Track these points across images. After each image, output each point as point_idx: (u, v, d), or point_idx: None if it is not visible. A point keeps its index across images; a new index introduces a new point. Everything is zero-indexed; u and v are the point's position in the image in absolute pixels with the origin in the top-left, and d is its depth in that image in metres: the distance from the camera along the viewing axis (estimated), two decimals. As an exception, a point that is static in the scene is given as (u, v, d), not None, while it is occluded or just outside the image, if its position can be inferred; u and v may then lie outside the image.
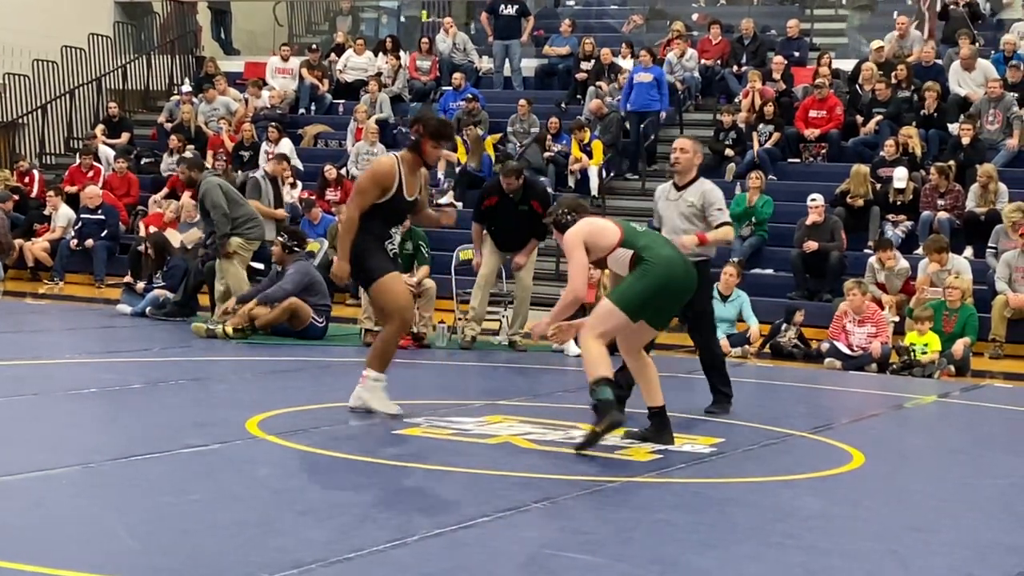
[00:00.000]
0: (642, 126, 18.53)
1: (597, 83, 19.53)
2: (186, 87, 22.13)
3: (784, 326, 13.23)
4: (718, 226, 8.98)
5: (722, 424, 8.51)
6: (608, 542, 5.35)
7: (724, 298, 13.28)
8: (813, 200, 15.23)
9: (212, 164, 19.45)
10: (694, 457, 7.28)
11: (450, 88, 20.50)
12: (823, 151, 17.68)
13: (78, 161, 20.08)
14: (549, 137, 18.30)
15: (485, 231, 12.51)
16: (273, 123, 19.78)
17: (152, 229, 17.21)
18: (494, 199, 12.45)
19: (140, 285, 14.62)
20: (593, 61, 20.14)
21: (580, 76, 20.27)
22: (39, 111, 22.52)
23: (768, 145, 17.71)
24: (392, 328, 8.12)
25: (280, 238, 12.61)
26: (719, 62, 20.24)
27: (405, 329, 8.41)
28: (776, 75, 18.95)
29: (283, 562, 4.67)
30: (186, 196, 18.30)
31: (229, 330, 11.96)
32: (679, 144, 9.19)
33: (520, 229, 12.35)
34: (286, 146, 19.18)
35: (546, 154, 18.25)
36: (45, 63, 22.75)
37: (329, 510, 5.63)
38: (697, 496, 6.39)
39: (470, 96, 19.40)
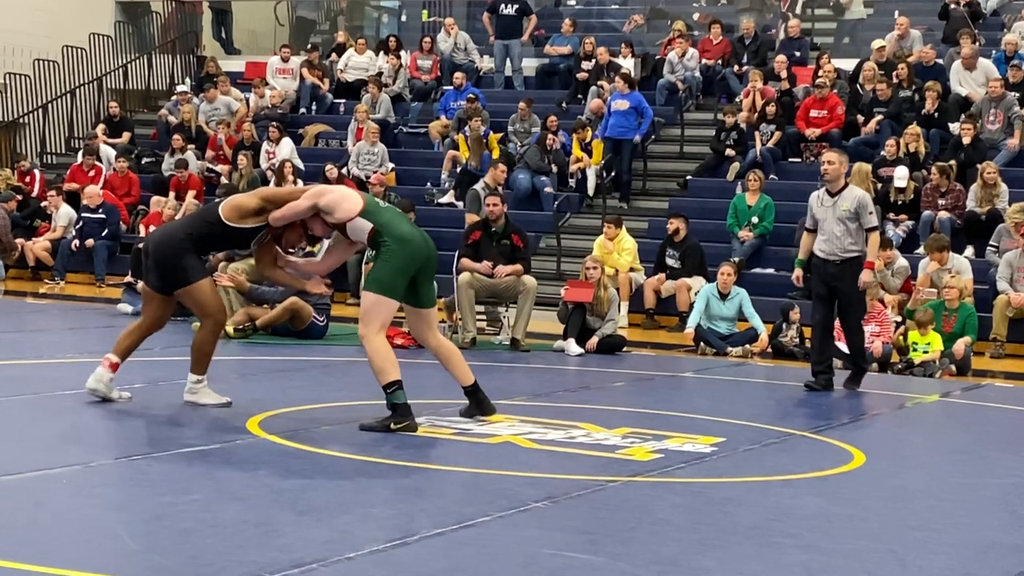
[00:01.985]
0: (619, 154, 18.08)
1: (598, 82, 19.53)
2: (183, 87, 22.13)
3: (784, 326, 13.23)
4: (869, 230, 10.42)
5: (723, 424, 8.51)
6: (608, 541, 5.35)
7: (723, 296, 13.28)
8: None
9: (212, 164, 19.52)
10: (695, 457, 7.28)
11: (451, 87, 20.50)
12: (824, 150, 17.65)
13: (79, 160, 20.09)
14: (551, 137, 18.29)
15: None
16: (274, 123, 19.79)
17: (152, 229, 17.21)
18: (478, 234, 12.82)
19: (141, 284, 14.57)
20: (594, 60, 20.14)
21: (581, 76, 20.27)
22: (40, 110, 22.53)
23: (769, 145, 17.71)
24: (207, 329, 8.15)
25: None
26: (720, 62, 20.24)
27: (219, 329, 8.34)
28: (782, 74, 18.93)
29: (283, 562, 4.67)
30: (190, 196, 18.34)
31: (230, 330, 11.95)
32: (826, 156, 10.72)
33: (504, 263, 12.71)
34: (287, 146, 19.18)
35: (550, 146, 18.18)
36: (46, 63, 22.76)
37: (330, 510, 5.63)
38: (698, 496, 6.39)
39: (471, 96, 19.40)
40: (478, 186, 13.83)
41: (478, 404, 8.04)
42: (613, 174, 18.10)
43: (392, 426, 7.50)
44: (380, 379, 7.60)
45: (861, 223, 10.42)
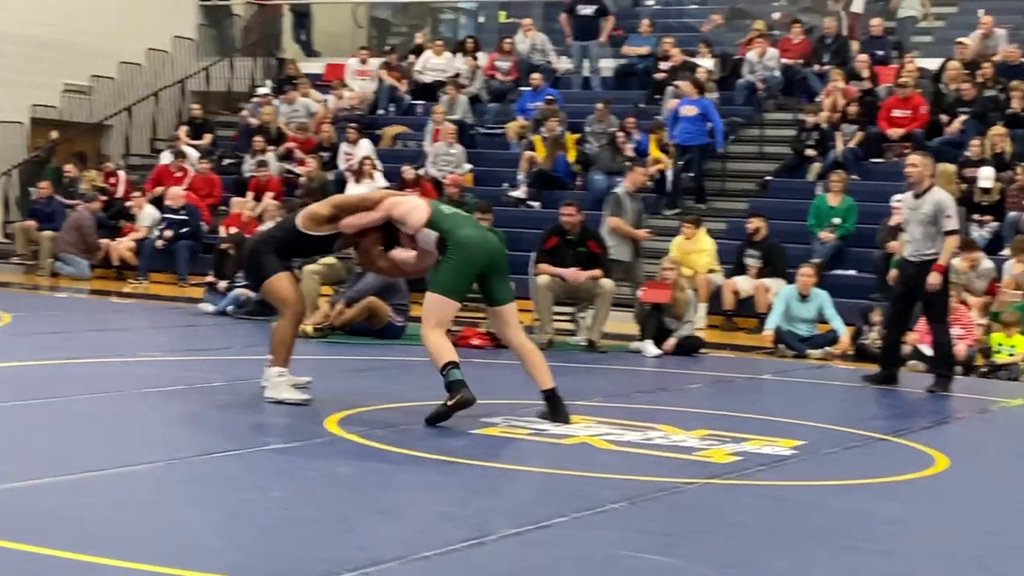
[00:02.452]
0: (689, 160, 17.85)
1: (675, 83, 19.44)
2: (264, 89, 22.35)
3: (865, 328, 13.09)
4: (946, 233, 10.38)
5: (803, 426, 8.43)
6: (685, 544, 5.33)
7: (803, 298, 13.16)
8: (897, 201, 15.03)
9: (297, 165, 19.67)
10: (774, 459, 7.22)
11: (528, 88, 20.50)
12: (907, 151, 17.43)
13: (165, 161, 20.34)
14: (623, 136, 18.22)
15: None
16: (352, 124, 19.91)
17: (232, 229, 17.41)
18: (555, 240, 12.77)
19: (222, 284, 14.77)
20: (672, 61, 20.04)
21: (659, 76, 20.18)
22: (125, 113, 22.85)
23: (851, 145, 17.53)
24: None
25: None
26: (801, 61, 20.06)
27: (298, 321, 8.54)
28: (864, 73, 18.72)
29: (361, 560, 4.69)
30: (268, 197, 18.51)
31: (309, 329, 12.05)
32: (910, 159, 10.76)
33: (581, 270, 12.65)
34: (365, 147, 19.30)
35: (621, 146, 18.13)
36: (131, 66, 23.09)
37: (407, 508, 5.65)
38: (776, 499, 6.33)
39: (549, 97, 19.37)
40: (618, 190, 13.67)
41: (554, 409, 8.00)
42: (692, 175, 18.00)
43: (448, 403, 7.61)
44: (436, 363, 7.74)
45: (939, 227, 10.43)
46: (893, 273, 11.23)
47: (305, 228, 8.22)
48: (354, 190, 16.55)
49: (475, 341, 12.19)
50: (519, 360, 8.11)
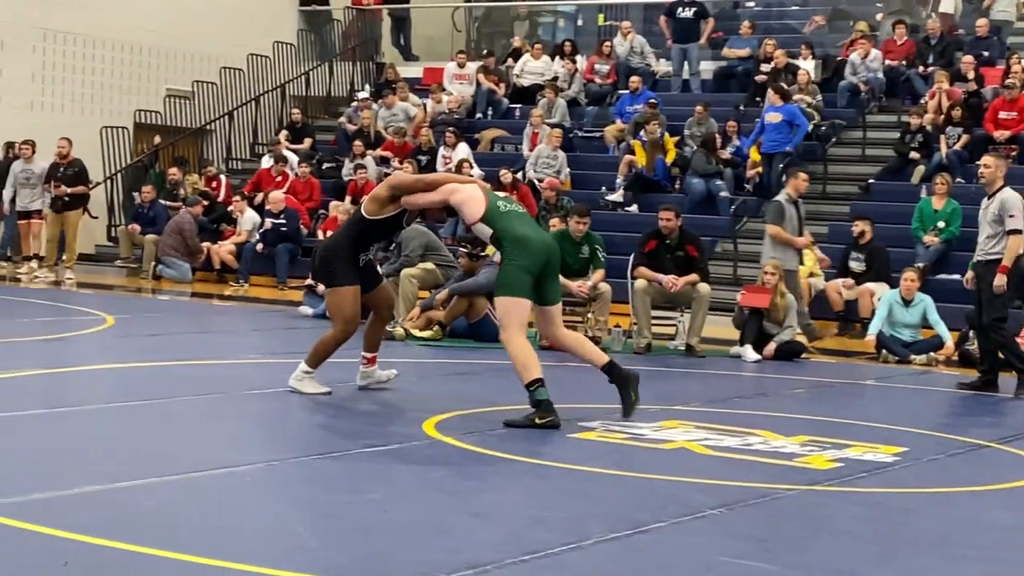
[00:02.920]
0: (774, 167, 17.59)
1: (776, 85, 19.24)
2: (363, 93, 22.50)
3: (971, 333, 12.83)
4: (1009, 232, 10.33)
5: (906, 433, 8.29)
6: (785, 550, 5.25)
7: (907, 303, 12.95)
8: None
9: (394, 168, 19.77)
10: (876, 466, 7.11)
11: (627, 91, 20.43)
12: (1014, 153, 17.10)
13: (265, 165, 20.58)
14: (719, 139, 18.07)
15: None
16: (451, 128, 19.99)
17: (329, 233, 17.53)
18: (653, 243, 12.68)
19: (321, 288, 14.87)
20: (773, 63, 19.86)
21: (759, 78, 20.00)
22: (226, 117, 23.16)
23: (956, 147, 17.22)
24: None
25: (463, 249, 12.78)
26: (904, 63, 19.77)
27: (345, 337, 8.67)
28: (969, 75, 18.39)
29: (457, 563, 4.69)
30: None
31: (403, 331, 12.14)
32: (983, 160, 10.86)
33: (678, 274, 12.53)
34: (463, 150, 19.36)
35: (723, 155, 18.02)
36: (232, 71, 23.39)
37: (503, 512, 5.64)
38: (878, 505, 6.23)
39: (652, 101, 19.26)
40: (780, 198, 13.50)
41: (618, 377, 8.05)
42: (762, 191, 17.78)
43: (537, 420, 7.66)
44: (522, 377, 7.78)
45: (1004, 226, 10.41)
46: (969, 275, 11.06)
47: (370, 214, 8.47)
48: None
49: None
50: (569, 351, 8.22)
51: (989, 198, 10.58)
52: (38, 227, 18.58)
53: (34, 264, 18.42)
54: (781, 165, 17.14)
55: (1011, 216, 10.34)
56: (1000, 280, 10.31)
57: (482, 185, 8.54)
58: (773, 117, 17.55)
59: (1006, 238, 10.39)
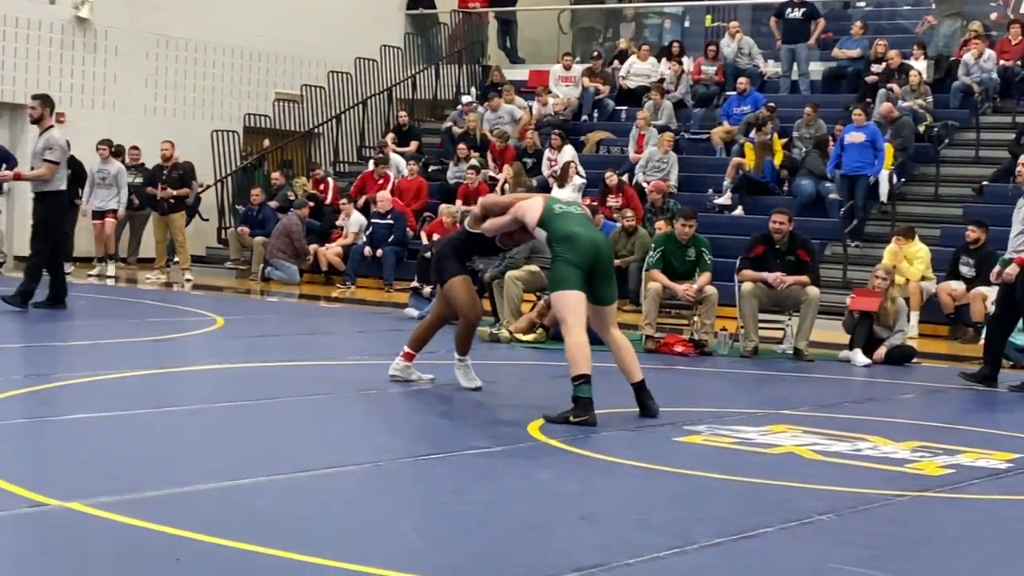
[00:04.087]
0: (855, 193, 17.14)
1: (888, 85, 18.97)
2: (469, 96, 22.57)
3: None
4: None
5: (1019, 439, 8.11)
6: (895, 557, 5.16)
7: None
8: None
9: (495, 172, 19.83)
10: (989, 473, 6.96)
11: (734, 93, 20.27)
12: None
13: (371, 168, 20.74)
14: (832, 141, 17.84)
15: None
16: (556, 130, 19.98)
17: (435, 236, 17.62)
18: (761, 248, 12.51)
19: (427, 290, 14.94)
20: (884, 63, 19.58)
21: (870, 79, 19.72)
22: (334, 120, 23.39)
23: (1072, 148, 16.84)
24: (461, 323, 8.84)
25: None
26: (1019, 63, 19.36)
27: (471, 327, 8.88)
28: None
29: (562, 565, 4.67)
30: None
31: (508, 333, 12.16)
32: (1021, 160, 11.13)
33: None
34: (569, 153, 19.34)
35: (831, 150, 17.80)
36: (340, 75, 23.63)
37: (608, 515, 5.62)
38: (990, 512, 6.11)
39: (771, 105, 19.07)
40: None
41: (642, 402, 8.13)
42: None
43: (572, 418, 7.68)
44: (571, 371, 7.80)
45: None
46: (997, 269, 10.93)
47: (470, 227, 8.83)
48: (557, 194, 16.59)
49: (678, 348, 12.07)
50: (612, 352, 8.19)
51: None
52: (111, 227, 18.52)
53: (108, 265, 18.44)
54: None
55: None
56: (1013, 269, 10.40)
57: (545, 197, 8.65)
58: (855, 137, 17.11)
59: None
